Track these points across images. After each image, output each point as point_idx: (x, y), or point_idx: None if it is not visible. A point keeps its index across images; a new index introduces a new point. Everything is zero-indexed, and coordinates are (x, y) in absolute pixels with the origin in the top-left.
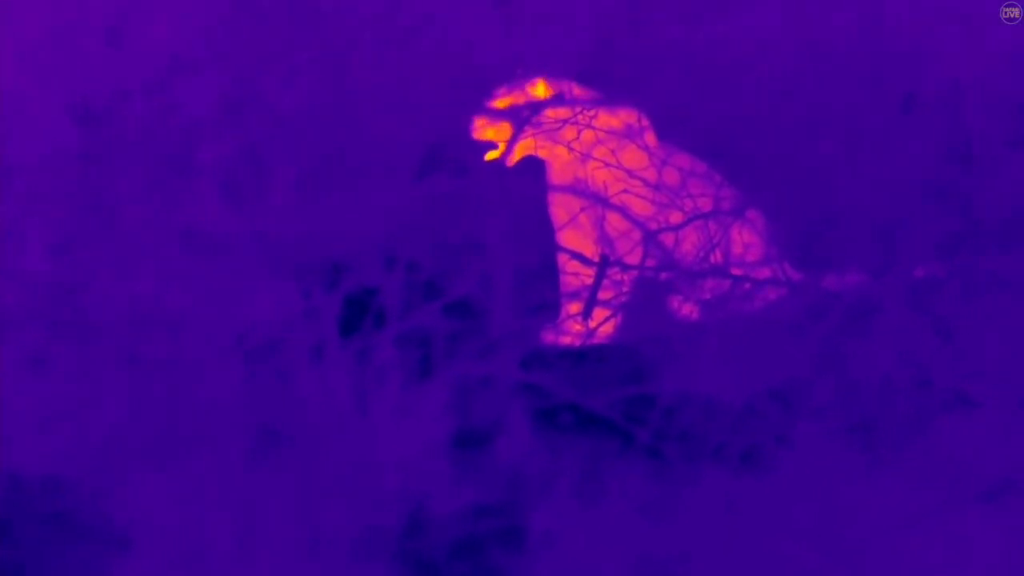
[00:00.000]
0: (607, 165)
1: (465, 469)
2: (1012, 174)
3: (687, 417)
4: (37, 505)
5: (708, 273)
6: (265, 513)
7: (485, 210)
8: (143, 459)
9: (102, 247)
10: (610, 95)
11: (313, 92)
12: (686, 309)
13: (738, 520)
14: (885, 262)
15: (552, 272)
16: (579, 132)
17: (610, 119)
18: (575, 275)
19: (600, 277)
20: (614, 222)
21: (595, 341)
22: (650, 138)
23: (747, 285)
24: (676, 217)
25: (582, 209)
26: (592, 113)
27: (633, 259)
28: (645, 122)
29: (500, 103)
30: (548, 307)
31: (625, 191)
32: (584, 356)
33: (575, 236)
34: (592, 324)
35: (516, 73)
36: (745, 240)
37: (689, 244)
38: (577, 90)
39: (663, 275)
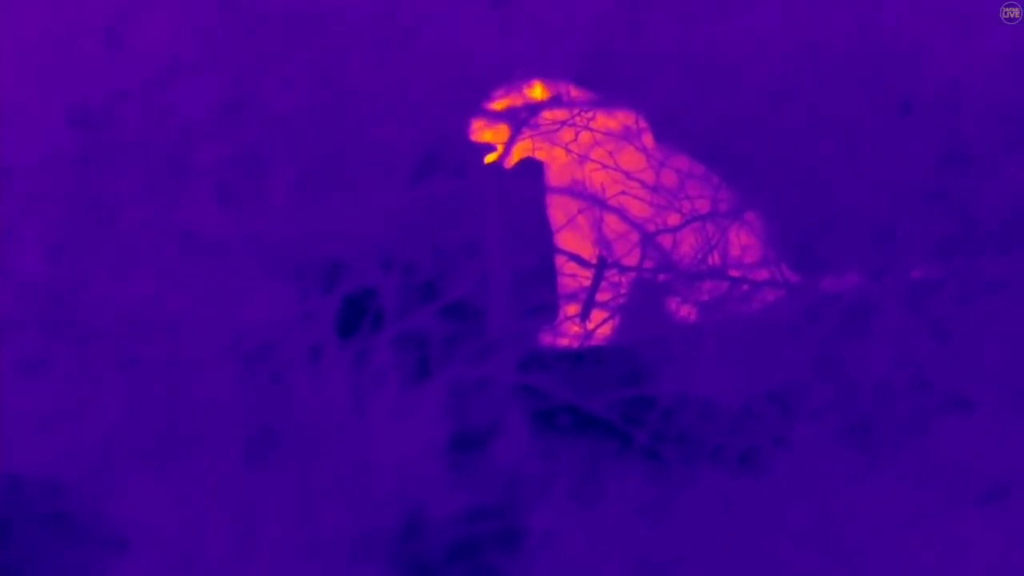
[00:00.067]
0: (605, 167)
1: (463, 471)
2: (1010, 176)
3: (685, 419)
4: (35, 506)
5: (706, 275)
6: (263, 515)
7: (483, 212)
8: (141, 460)
9: (100, 249)
10: (608, 97)
11: (311, 94)
12: (684, 311)
13: (736, 521)
14: (883, 264)
15: (550, 274)
16: (577, 134)
17: (608, 121)
18: (573, 277)
19: (598, 279)
20: (612, 224)
21: (593, 343)
22: (648, 140)
23: (745, 287)
24: (674, 219)
25: (580, 211)
26: (590, 115)
27: (631, 261)
28: (643, 124)
29: (498, 105)
30: (546, 309)
31: (623, 193)
32: (582, 358)
33: (573, 238)
34: (590, 326)
35: (514, 75)
36: (743, 242)
37: (687, 246)
38: (575, 92)
39: (661, 277)
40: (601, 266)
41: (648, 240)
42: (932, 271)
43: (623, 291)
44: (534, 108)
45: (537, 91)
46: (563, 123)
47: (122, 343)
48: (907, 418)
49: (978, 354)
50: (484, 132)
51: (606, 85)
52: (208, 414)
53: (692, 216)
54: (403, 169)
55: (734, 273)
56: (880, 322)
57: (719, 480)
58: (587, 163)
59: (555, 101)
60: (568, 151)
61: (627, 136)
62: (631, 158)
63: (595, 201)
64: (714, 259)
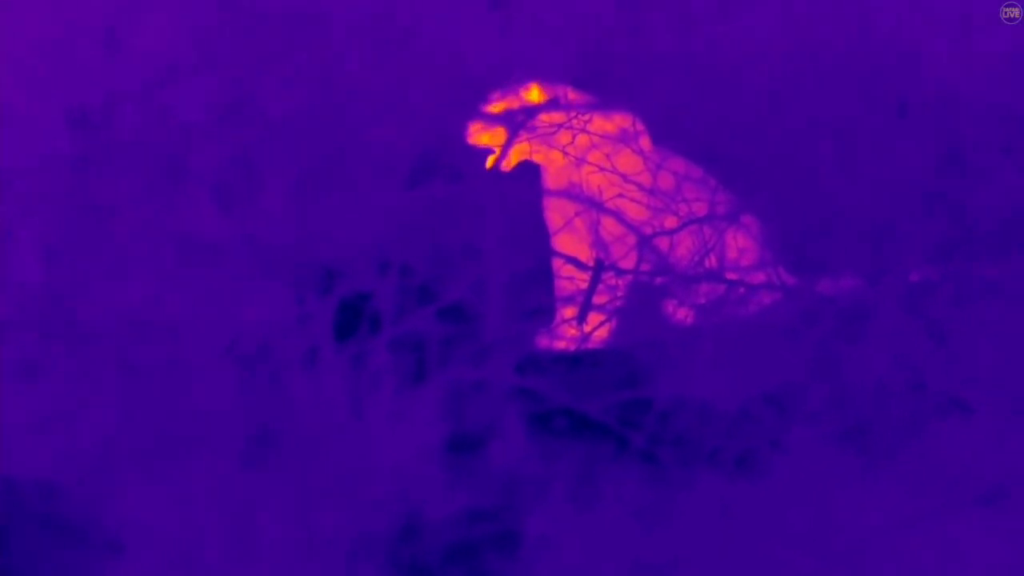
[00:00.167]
0: (602, 170)
1: (459, 473)
2: (1006, 179)
3: (682, 421)
4: (32, 508)
5: (703, 278)
6: (260, 517)
7: (479, 215)
8: (137, 463)
9: (97, 251)
10: (605, 99)
11: (307, 97)
12: (681, 314)
13: (733, 524)
14: (880, 267)
15: (547, 277)
16: (574, 137)
17: (605, 124)
18: (570, 280)
19: (595, 282)
20: (609, 227)
21: (590, 345)
22: (645, 143)
23: (742, 290)
24: (671, 222)
25: (577, 214)
26: (587, 118)
27: (628, 264)
28: (640, 127)
29: (495, 107)
30: (543, 311)
31: (620, 196)
32: (579, 360)
33: (570, 240)
34: (587, 328)
35: (511, 77)
36: (740, 245)
37: (684, 249)
38: (572, 94)
39: (658, 280)
40: (598, 269)
41: (645, 243)
42: (928, 274)
43: (620, 294)
44: (531, 111)
45: (534, 94)
46: (560, 126)
47: (119, 345)
48: (904, 420)
49: (975, 356)
50: (481, 135)
51: (603, 88)
52: (205, 416)
53: (689, 219)
54: (400, 171)
55: (731, 276)
56: (877, 325)
57: (716, 483)
58: (584, 166)
59: (552, 104)
60: (565, 154)
61: (624, 139)
62: (628, 161)
63: (592, 204)
64: (711, 262)
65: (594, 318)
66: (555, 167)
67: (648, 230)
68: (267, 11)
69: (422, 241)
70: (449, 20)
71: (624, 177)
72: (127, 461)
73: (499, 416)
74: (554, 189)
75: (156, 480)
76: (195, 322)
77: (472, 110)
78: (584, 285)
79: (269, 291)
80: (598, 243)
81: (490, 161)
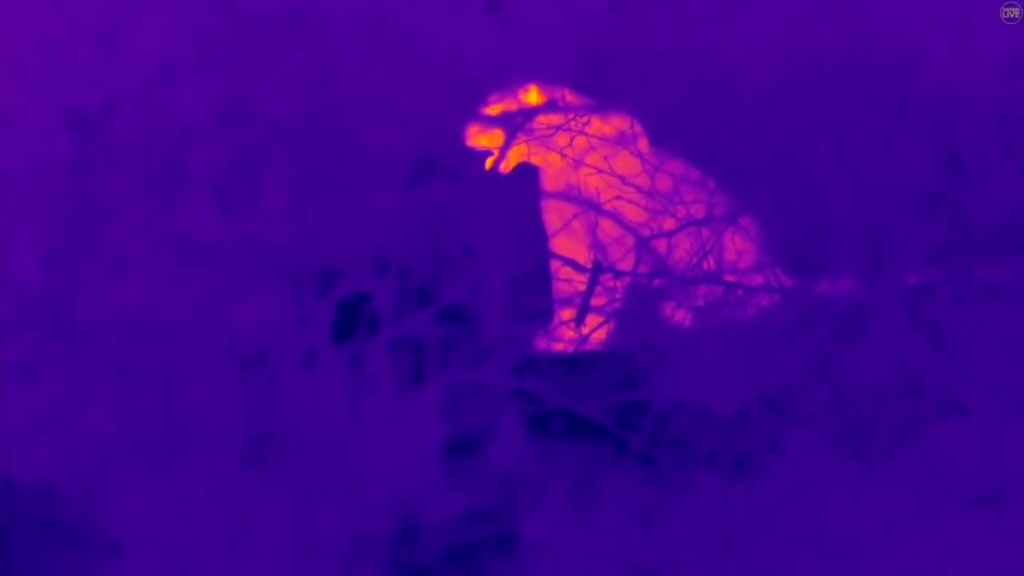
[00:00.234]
0: (600, 171)
1: (458, 475)
2: (1004, 181)
3: (680, 423)
4: (31, 510)
5: (701, 280)
6: (259, 518)
7: (478, 216)
8: (135, 465)
9: (96, 252)
10: (603, 101)
11: (305, 99)
12: (679, 316)
13: (731, 526)
14: (878, 268)
15: (545, 278)
16: (572, 139)
17: (603, 125)
18: (568, 281)
19: (593, 283)
20: (607, 228)
21: (588, 347)
22: (643, 144)
23: (740, 292)
24: (669, 223)
25: (575, 215)
26: (585, 119)
27: (626, 265)
28: (638, 128)
29: (493, 110)
30: (541, 313)
31: (618, 197)
32: (577, 362)
33: (568, 242)
34: (585, 330)
35: (509, 79)
36: (738, 246)
37: (682, 250)
38: (570, 96)
39: (656, 281)
40: (596, 270)
41: (643, 245)
42: (926, 276)
43: (618, 296)
44: (529, 113)
45: (532, 96)
46: (558, 128)
47: (119, 345)
48: (903, 422)
49: (974, 358)
50: (479, 137)
51: (601, 90)
52: (204, 418)
53: (687, 221)
54: (399, 173)
55: (729, 278)
56: (875, 327)
57: (714, 485)
58: (582, 168)
59: (550, 106)
60: (563, 156)
61: (622, 141)
62: (626, 163)
63: (590, 206)
64: (709, 264)
65: (592, 320)
66: (553, 169)
67: (646, 232)
68: (266, 12)
69: (421, 242)
70: (448, 21)
71: (622, 179)
72: (126, 462)
73: (497, 417)
74: (552, 191)
75: (155, 481)
76: (194, 322)
77: (471, 112)
78: (582, 287)
79: (268, 292)
80: (596, 245)
81: (489, 163)
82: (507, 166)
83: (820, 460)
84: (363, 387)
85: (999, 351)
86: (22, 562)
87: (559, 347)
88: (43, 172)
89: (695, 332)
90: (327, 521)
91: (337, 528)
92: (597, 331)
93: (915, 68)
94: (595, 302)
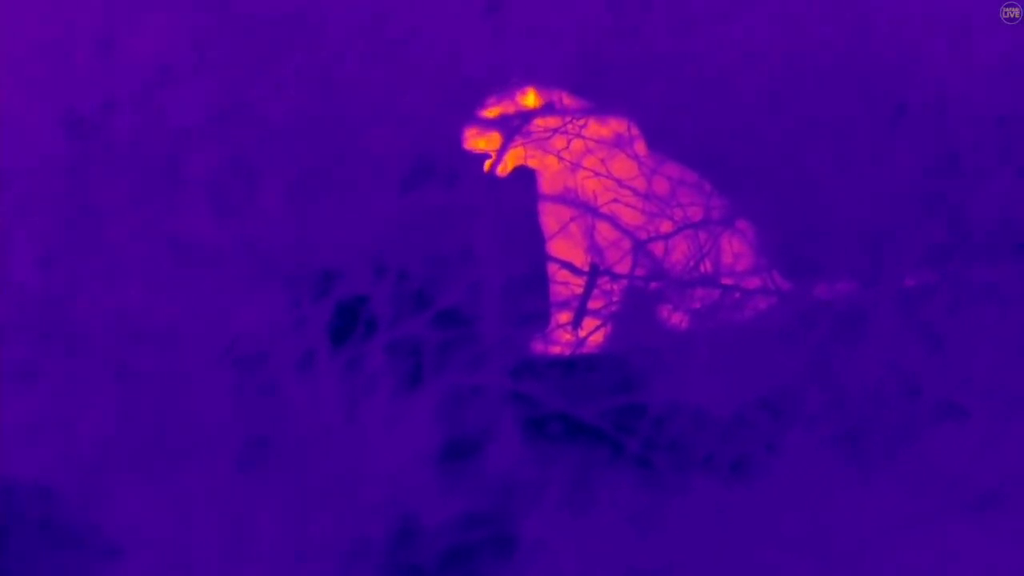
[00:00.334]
0: (597, 175)
1: (455, 478)
2: (1002, 183)
3: (677, 426)
4: (29, 512)
5: (698, 282)
6: (255, 523)
7: (475, 219)
8: (133, 468)
9: (91, 257)
10: (600, 104)
11: (302, 101)
12: (676, 318)
13: (728, 529)
14: (875, 271)
15: (542, 281)
16: (569, 141)
17: (600, 128)
18: (565, 284)
19: (590, 286)
20: (604, 231)
21: (585, 350)
22: (640, 147)
23: (737, 294)
24: (666, 226)
25: (572, 218)
26: (582, 122)
27: (623, 268)
28: (635, 131)
29: (490, 112)
30: (538, 316)
31: (615, 200)
32: (574, 365)
33: (565, 245)
34: (582, 333)
35: (507, 82)
36: (735, 249)
37: (679, 253)
38: (567, 99)
39: (653, 284)
40: (593, 274)
41: (640, 248)
42: (924, 278)
43: (615, 299)
44: (526, 116)
45: (529, 99)
46: (555, 131)
47: (113, 351)
48: (900, 424)
49: (971, 360)
50: (477, 140)
51: (598, 93)
52: (199, 422)
53: (684, 223)
54: (395, 176)
55: (726, 280)
56: (872, 329)
57: (711, 488)
58: (579, 171)
59: (547, 109)
60: (560, 159)
61: (619, 144)
62: (623, 166)
63: (587, 209)
64: (706, 266)
65: (589, 323)
66: (550, 172)
67: (643, 235)
68: (264, 14)
69: (418, 245)
70: (445, 24)
71: (619, 182)
72: (125, 463)
73: (495, 420)
74: (549, 194)
75: (154, 482)
76: (192, 324)
77: (468, 114)
78: (579, 290)
79: (264, 295)
80: (593, 248)
81: (486, 166)
82: (504, 169)
83: (818, 462)
84: (361, 389)
85: (997, 353)
86: (21, 563)
87: (556, 350)
88: (42, 173)
89: (692, 335)
90: (325, 523)
91: (335, 530)
92: (594, 334)
93: (914, 69)
94: (592, 305)
